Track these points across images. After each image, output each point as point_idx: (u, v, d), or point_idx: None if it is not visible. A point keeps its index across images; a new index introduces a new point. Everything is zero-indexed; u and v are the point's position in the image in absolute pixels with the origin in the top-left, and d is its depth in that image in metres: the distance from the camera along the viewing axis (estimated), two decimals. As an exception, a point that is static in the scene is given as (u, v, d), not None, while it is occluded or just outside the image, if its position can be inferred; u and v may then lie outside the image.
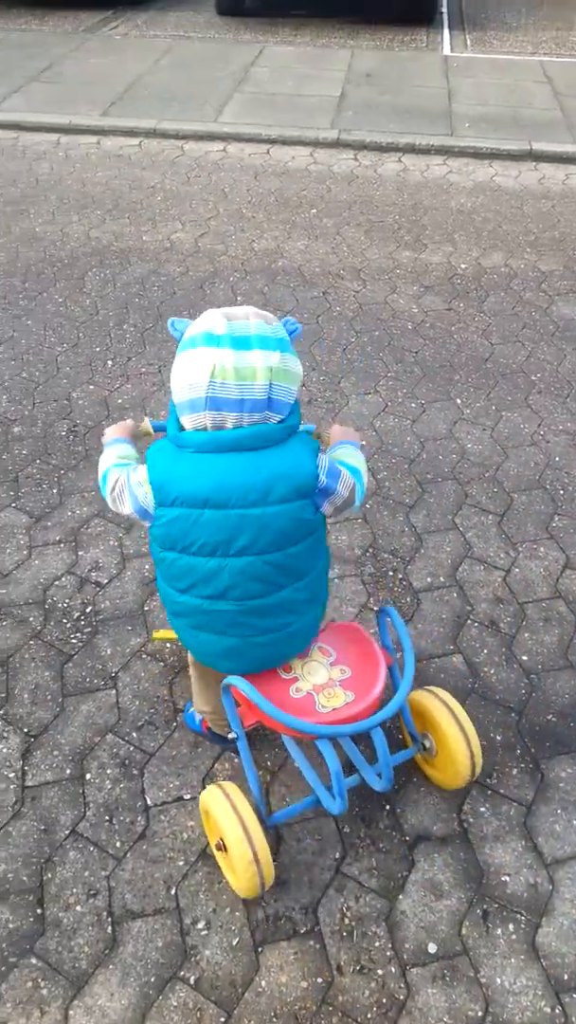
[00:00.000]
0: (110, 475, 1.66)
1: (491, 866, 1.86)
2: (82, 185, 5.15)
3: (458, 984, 1.68)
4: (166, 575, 1.66)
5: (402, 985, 1.67)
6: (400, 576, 2.56)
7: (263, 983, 1.68)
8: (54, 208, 4.85)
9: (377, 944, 1.74)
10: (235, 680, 1.66)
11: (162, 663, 2.29)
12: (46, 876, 1.84)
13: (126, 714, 2.16)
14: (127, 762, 2.05)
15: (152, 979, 1.68)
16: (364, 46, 7.78)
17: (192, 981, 1.68)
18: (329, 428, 1.84)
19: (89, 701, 2.19)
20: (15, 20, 8.47)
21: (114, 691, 2.22)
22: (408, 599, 2.48)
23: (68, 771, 2.03)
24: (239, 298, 3.98)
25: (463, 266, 4.29)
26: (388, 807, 1.97)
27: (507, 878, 1.84)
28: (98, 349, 3.63)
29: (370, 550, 2.64)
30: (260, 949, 1.73)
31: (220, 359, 1.44)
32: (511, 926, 1.76)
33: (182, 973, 1.69)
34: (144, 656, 2.31)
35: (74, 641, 2.35)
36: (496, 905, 1.80)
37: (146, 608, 2.45)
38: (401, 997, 1.66)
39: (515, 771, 2.04)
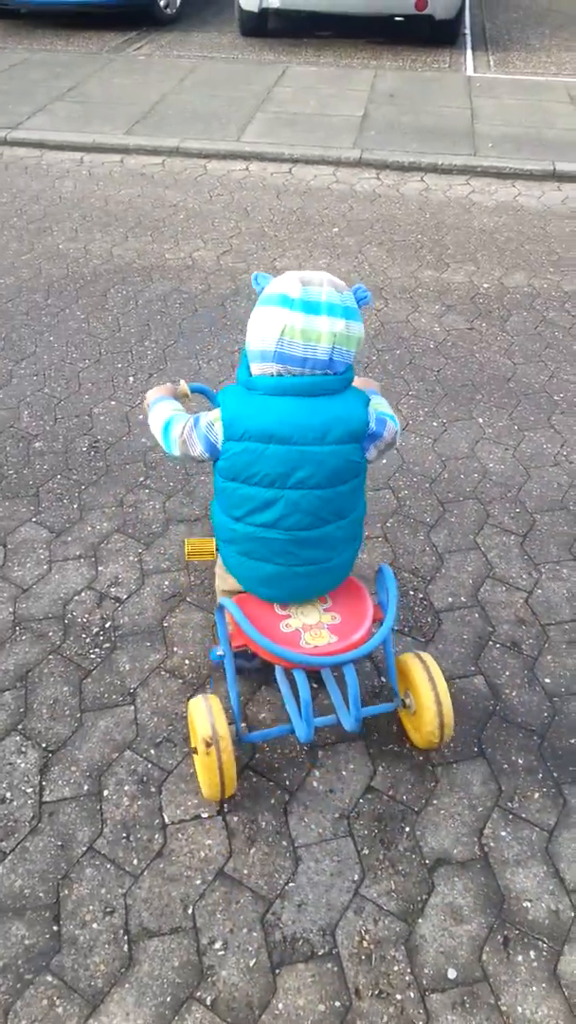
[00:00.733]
0: (174, 424, 1.85)
1: (512, 891, 1.84)
2: (105, 203, 5.20)
3: (478, 1011, 1.65)
4: (225, 504, 1.85)
5: (421, 1011, 1.65)
6: (421, 595, 2.54)
7: (280, 1005, 1.66)
8: (77, 225, 4.91)
9: (396, 968, 1.71)
10: (226, 602, 1.88)
11: (181, 680, 2.28)
12: (63, 893, 1.83)
13: (144, 731, 2.15)
14: (145, 779, 2.05)
15: (168, 999, 1.66)
16: (387, 66, 7.84)
17: (208, 1002, 1.66)
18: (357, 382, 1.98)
19: (107, 717, 2.19)
20: (40, 40, 8.60)
21: (132, 707, 2.21)
22: (429, 619, 2.47)
23: (86, 787, 2.03)
24: (261, 315, 3.99)
25: (485, 285, 4.29)
26: (408, 829, 1.95)
27: (528, 904, 1.81)
28: (120, 365, 3.65)
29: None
30: (277, 971, 1.71)
31: (291, 321, 1.63)
32: (532, 953, 1.74)
33: (198, 994, 1.68)
34: (163, 673, 2.30)
35: (93, 656, 2.35)
36: (517, 931, 1.77)
37: (165, 624, 2.44)
38: (420, 1023, 1.63)
39: (537, 795, 2.02)
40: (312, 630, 1.87)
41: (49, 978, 1.70)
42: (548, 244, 4.72)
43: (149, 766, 2.07)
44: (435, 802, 2.00)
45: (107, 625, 2.44)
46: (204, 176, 5.63)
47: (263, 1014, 1.64)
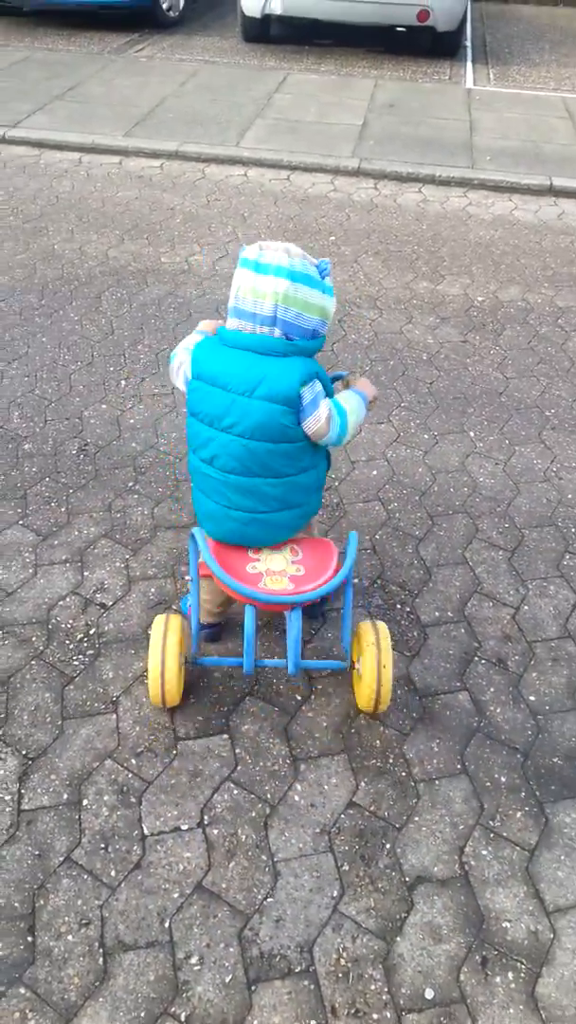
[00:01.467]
0: (177, 355, 2.05)
1: (492, 911, 1.83)
2: (102, 204, 5.19)
3: (454, 1034, 1.64)
4: (188, 436, 2.06)
5: (397, 1032, 1.64)
6: (408, 609, 2.54)
7: (255, 1023, 1.64)
8: (73, 226, 4.89)
9: (373, 987, 1.70)
10: (196, 531, 2.08)
11: (164, 689, 2.26)
12: (38, 903, 1.81)
13: (126, 740, 2.14)
14: (125, 789, 2.03)
15: (142, 1014, 1.65)
16: (387, 76, 7.86)
17: (183, 1018, 1.65)
18: (357, 380, 2.16)
19: (89, 725, 2.17)
20: (42, 40, 8.58)
21: (114, 716, 2.19)
22: (415, 633, 2.46)
23: (65, 796, 2.01)
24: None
25: (480, 299, 4.30)
26: (389, 846, 1.94)
27: (508, 924, 1.80)
28: (112, 369, 3.63)
29: (378, 581, 2.62)
30: (253, 987, 1.70)
31: (245, 279, 1.85)
32: (510, 974, 1.73)
33: (173, 1009, 1.66)
34: (146, 681, 2.28)
35: (76, 663, 2.33)
36: (496, 952, 1.76)
37: (150, 632, 2.42)
38: (396, 1045, 1.62)
39: (519, 814, 2.01)
40: (275, 576, 2.04)
41: (22, 990, 1.68)
42: (543, 259, 4.73)
43: (129, 776, 2.06)
44: (416, 819, 1.99)
45: (91, 631, 2.42)
46: (202, 180, 5.62)
47: (238, 1031, 1.63)
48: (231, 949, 1.75)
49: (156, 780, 2.05)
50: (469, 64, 8.40)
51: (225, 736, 2.15)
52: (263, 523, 2.04)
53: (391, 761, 2.11)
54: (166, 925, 1.79)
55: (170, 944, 1.76)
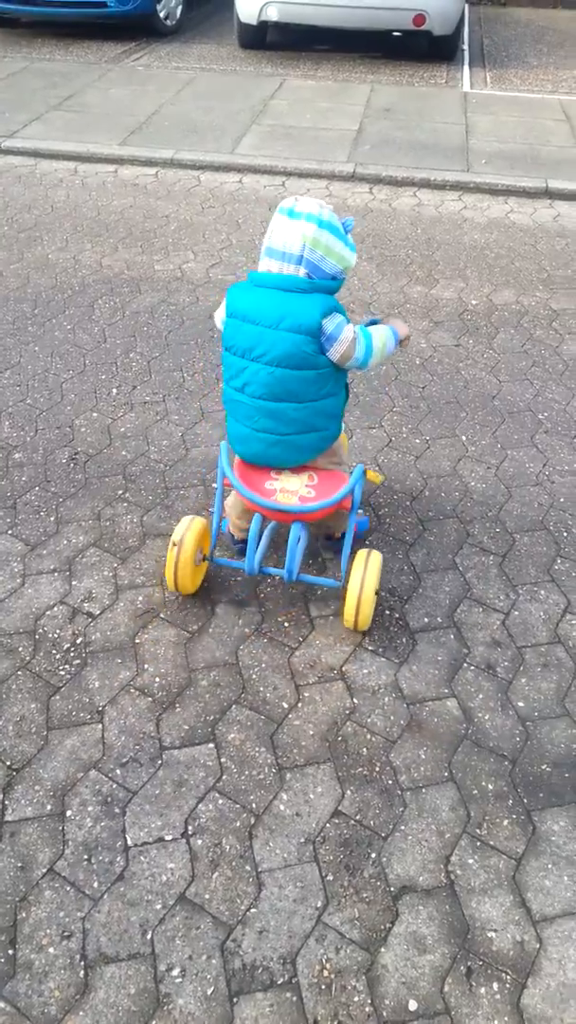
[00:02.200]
0: (217, 315, 2.31)
1: (477, 921, 1.81)
2: (97, 213, 5.19)
3: (438, 1046, 1.62)
4: (223, 370, 2.30)
5: (380, 1045, 1.62)
6: (397, 616, 2.52)
7: (236, 1037, 1.63)
8: (68, 235, 4.90)
9: (356, 999, 1.68)
10: (223, 445, 2.38)
11: (150, 698, 2.25)
12: (20, 915, 1.80)
13: (111, 750, 2.12)
14: (109, 800, 2.02)
15: (122, 1029, 1.63)
16: (384, 81, 7.86)
17: (163, 1032, 1.63)
18: (390, 319, 2.43)
19: (74, 735, 2.16)
20: (40, 50, 8.62)
21: (100, 726, 2.18)
22: (404, 639, 2.44)
23: (49, 807, 2.00)
24: (247, 329, 3.98)
25: (474, 302, 4.28)
26: (374, 855, 1.92)
27: (493, 934, 1.78)
28: (104, 377, 3.63)
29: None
30: (235, 1000, 1.68)
31: (279, 223, 2.11)
32: (496, 985, 1.71)
33: (154, 1022, 1.64)
34: (132, 690, 2.27)
35: (62, 673, 2.32)
36: (481, 962, 1.74)
37: (137, 641, 2.42)
38: (378, 1058, 1.60)
39: (506, 822, 1.99)
40: (288, 494, 2.31)
41: (2, 1004, 1.66)
42: (538, 262, 4.71)
43: (114, 786, 2.04)
44: (403, 828, 1.97)
45: (78, 641, 2.42)
46: (197, 188, 5.63)
47: (218, 1045, 1.61)
48: (213, 961, 1.74)
49: (141, 790, 2.04)
50: (466, 67, 8.40)
51: (211, 745, 2.14)
52: (287, 444, 2.28)
53: (378, 769, 2.09)
54: (148, 937, 1.77)
55: (152, 956, 1.74)
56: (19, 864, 1.88)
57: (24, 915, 1.80)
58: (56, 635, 2.43)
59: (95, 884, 1.86)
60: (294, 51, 8.80)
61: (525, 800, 2.03)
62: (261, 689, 2.28)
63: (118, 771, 2.08)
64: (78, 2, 8.59)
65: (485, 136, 6.47)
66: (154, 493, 2.99)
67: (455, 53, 8.66)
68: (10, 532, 2.79)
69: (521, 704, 2.27)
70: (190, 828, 1.96)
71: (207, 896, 1.84)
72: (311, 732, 2.17)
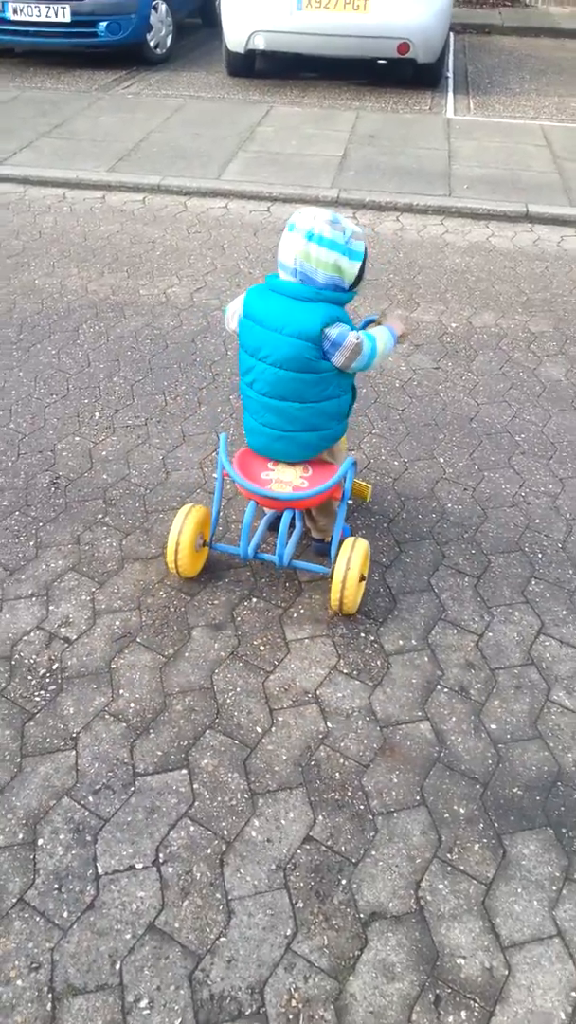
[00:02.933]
0: (232, 303, 2.45)
1: (446, 947, 1.80)
2: (84, 239, 5.24)
3: (405, 1075, 1.61)
4: (239, 364, 2.45)
5: (347, 1075, 1.61)
6: (372, 638, 2.53)
7: (203, 1068, 1.62)
8: (55, 261, 4.94)
9: (325, 1029, 1.67)
10: (222, 436, 2.55)
11: (124, 724, 2.25)
12: (-12, 946, 1.79)
13: (84, 777, 2.12)
14: (81, 827, 2.01)
15: (88, 1060, 1.62)
16: (369, 108, 7.97)
17: (130, 1064, 1.62)
18: (387, 318, 2.55)
19: (48, 762, 2.15)
20: (32, 79, 8.72)
21: (74, 752, 2.18)
22: (379, 662, 2.45)
23: (20, 836, 1.99)
24: (229, 352, 4.02)
25: (454, 325, 4.32)
26: (344, 882, 1.91)
27: (462, 961, 1.78)
28: (87, 401, 3.65)
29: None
30: (203, 1030, 1.67)
31: (283, 237, 2.25)
32: (464, 1013, 1.70)
33: (121, 1054, 1.63)
34: (107, 716, 2.27)
35: (37, 699, 2.32)
36: (449, 990, 1.73)
37: (113, 666, 2.42)
38: None
39: (476, 846, 1.99)
40: (282, 483, 2.46)
41: (-33, 1037, 1.65)
42: (518, 285, 4.76)
43: (86, 814, 2.04)
44: (373, 853, 1.97)
45: (54, 666, 2.42)
46: (183, 213, 5.68)
47: (184, 1076, 1.60)
48: (181, 991, 1.73)
49: (113, 818, 2.03)
50: (450, 94, 8.51)
51: (184, 771, 2.14)
52: (289, 440, 2.43)
53: (350, 794, 2.09)
54: (117, 967, 1.76)
55: (120, 987, 1.73)
56: (-12, 893, 1.87)
57: (-8, 945, 1.79)
58: (32, 660, 2.43)
59: (65, 914, 1.85)
60: (281, 78, 8.92)
61: (496, 824, 2.03)
62: (235, 714, 2.28)
63: (91, 798, 2.07)
64: (69, 32, 8.71)
65: (467, 161, 6.55)
66: (134, 517, 3.00)
67: (439, 80, 8.78)
68: (-12, 558, 2.79)
69: (494, 726, 2.27)
70: (161, 856, 1.96)
71: (177, 925, 1.83)
72: (284, 757, 2.17)
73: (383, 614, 2.61)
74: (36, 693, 2.34)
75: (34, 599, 2.64)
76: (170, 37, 9.65)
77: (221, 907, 1.86)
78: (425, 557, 2.83)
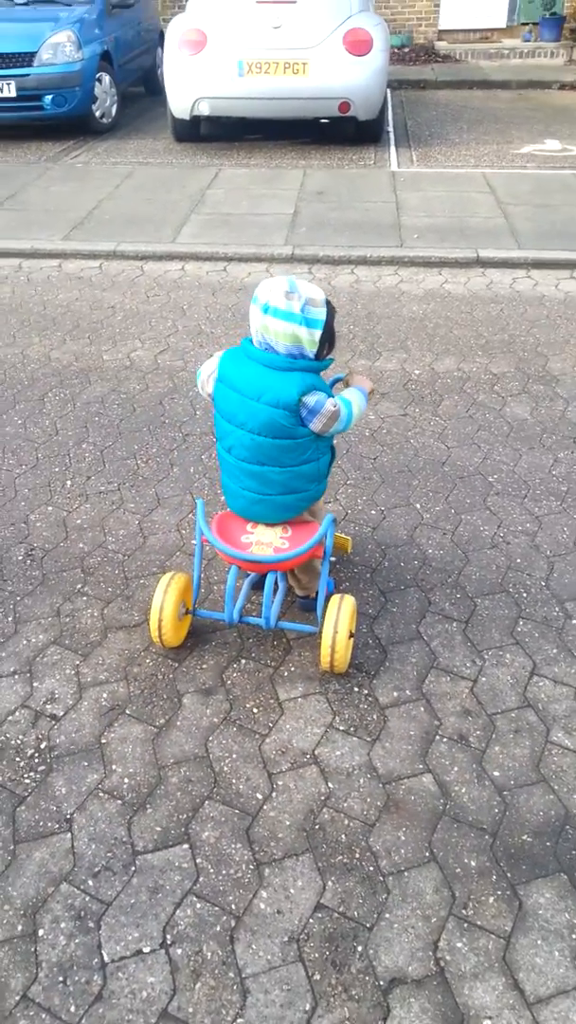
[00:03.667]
0: (203, 370, 2.45)
1: (471, 1009, 1.75)
2: (43, 307, 5.26)
3: None
4: (215, 427, 2.46)
5: None
6: (366, 692, 2.50)
7: None
8: (15, 331, 4.94)
9: None
10: (199, 502, 2.58)
11: (120, 801, 2.19)
12: (-6, 1051, 1.70)
13: (81, 859, 2.05)
14: (82, 914, 1.94)
15: None
16: (315, 165, 8.17)
17: None
18: (354, 378, 2.56)
19: (43, 847, 2.08)
20: (-19, 154, 8.82)
21: (69, 834, 2.11)
22: (375, 716, 2.42)
23: (19, 928, 1.91)
24: (198, 412, 4.02)
25: (417, 372, 4.39)
26: (360, 948, 1.86)
27: (488, 1022, 1.73)
28: (57, 469, 3.63)
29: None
30: None
31: (250, 309, 2.29)
32: (496, 1079, 1.64)
33: None
34: (101, 794, 2.21)
35: (27, 781, 2.25)
36: (478, 1056, 1.68)
37: (103, 741, 2.36)
38: None
39: (491, 899, 1.95)
40: (263, 545, 2.45)
41: None
42: (475, 328, 4.86)
43: (87, 899, 1.97)
44: (388, 915, 1.92)
45: (42, 746, 2.35)
46: (141, 277, 5.74)
47: None
48: (201, 1081, 1.65)
49: (115, 901, 1.96)
50: (392, 148, 8.77)
51: (185, 846, 2.08)
52: (268, 503, 2.44)
53: (358, 856, 2.04)
54: (131, 1061, 1.68)
55: None
56: (-10, 993, 1.79)
57: (-2, 1049, 1.70)
58: (19, 741, 2.36)
59: (72, 1008, 1.77)
60: (227, 141, 9.13)
61: (509, 874, 2.00)
62: (233, 781, 2.23)
63: (90, 882, 2.00)
64: (16, 106, 8.86)
65: (415, 212, 6.73)
66: (114, 585, 2.96)
67: (381, 135, 9.05)
68: (-33, 637, 2.73)
69: (497, 773, 2.24)
70: (168, 937, 1.89)
71: (191, 1009, 1.76)
72: (287, 823, 2.12)
73: (375, 666, 2.59)
74: (26, 775, 2.27)
75: (16, 677, 2.58)
76: (115, 107, 9.85)
77: (236, 986, 1.80)
78: (411, 605, 2.83)
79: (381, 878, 1.99)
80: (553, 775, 2.23)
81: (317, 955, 1.85)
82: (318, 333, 2.25)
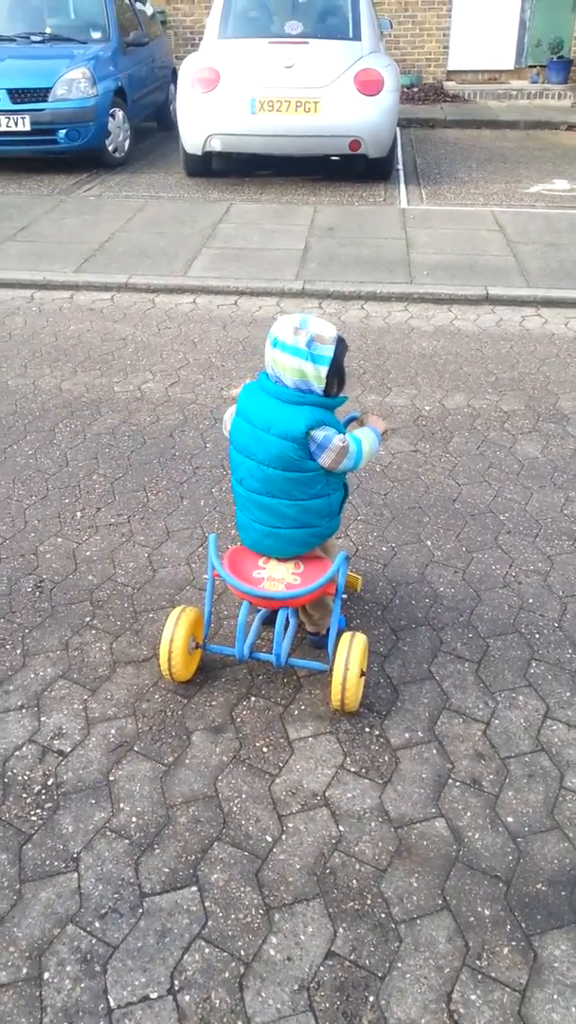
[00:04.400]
0: (229, 410, 2.48)
1: (486, 1066, 1.71)
2: (55, 339, 5.30)
3: None
4: (229, 460, 2.49)
5: None
6: (377, 732, 2.47)
7: None
8: (27, 362, 4.97)
9: None
10: (211, 537, 2.58)
11: (127, 840, 2.16)
12: None
13: (88, 900, 2.01)
14: (88, 957, 1.90)
15: None
16: (326, 202, 8.27)
17: None
18: (369, 418, 2.56)
19: (49, 887, 2.05)
20: (-5, 185, 8.95)
21: (75, 874, 2.07)
22: (386, 758, 2.39)
23: (24, 970, 1.87)
24: (208, 445, 4.03)
25: (427, 408, 4.40)
26: (372, 999, 1.82)
27: (504, 1080, 1.68)
28: (67, 501, 3.63)
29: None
30: None
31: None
32: None
33: None
34: (108, 833, 2.18)
35: (34, 819, 2.21)
36: None
37: (111, 778, 2.33)
38: None
39: (506, 950, 1.91)
40: (275, 581, 2.45)
41: None
42: (485, 365, 4.88)
43: (93, 941, 1.93)
44: (400, 965, 1.88)
45: (49, 782, 2.32)
46: (152, 310, 5.78)
47: None
48: None
49: (122, 944, 1.93)
50: (402, 185, 8.88)
51: (194, 888, 2.04)
52: (279, 537, 2.45)
53: (369, 902, 2.01)
54: None
55: None
56: (-7, 1040, 1.75)
57: None
58: (26, 777, 2.34)
59: (77, 1056, 1.73)
60: (238, 177, 9.25)
61: (523, 924, 1.96)
62: (243, 822, 2.20)
63: (97, 924, 1.97)
64: (30, 140, 9.01)
65: (425, 249, 6.79)
66: (122, 618, 2.94)
67: (391, 173, 9.17)
68: (-25, 669, 2.71)
69: (511, 819, 2.21)
70: (176, 983, 1.85)
71: (198, 1060, 1.72)
72: (297, 866, 2.09)
73: (386, 706, 2.56)
74: (32, 812, 2.24)
75: (24, 711, 2.56)
76: (128, 141, 10.00)
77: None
78: (423, 644, 2.81)
79: (393, 926, 1.96)
80: (568, 822, 2.20)
81: (328, 1004, 1.81)
82: (324, 369, 2.27)
